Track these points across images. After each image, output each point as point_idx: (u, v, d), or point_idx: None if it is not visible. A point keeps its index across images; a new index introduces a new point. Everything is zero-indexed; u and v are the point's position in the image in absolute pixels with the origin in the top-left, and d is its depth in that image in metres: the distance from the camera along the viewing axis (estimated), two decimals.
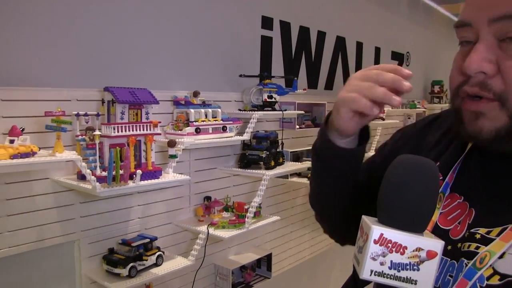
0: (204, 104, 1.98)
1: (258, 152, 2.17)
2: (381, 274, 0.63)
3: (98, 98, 1.68)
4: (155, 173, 1.64)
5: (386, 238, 0.63)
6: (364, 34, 3.54)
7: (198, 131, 1.87)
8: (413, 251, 0.62)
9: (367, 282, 0.77)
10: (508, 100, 0.71)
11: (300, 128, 2.64)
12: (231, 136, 2.02)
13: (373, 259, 0.62)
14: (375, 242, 0.63)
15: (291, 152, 2.59)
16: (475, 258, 0.73)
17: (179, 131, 1.86)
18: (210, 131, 1.93)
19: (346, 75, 3.33)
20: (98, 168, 1.52)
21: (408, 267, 0.62)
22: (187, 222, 2.06)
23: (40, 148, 1.42)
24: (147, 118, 1.67)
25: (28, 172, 1.54)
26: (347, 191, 0.96)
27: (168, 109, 1.97)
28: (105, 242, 1.79)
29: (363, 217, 0.68)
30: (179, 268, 1.83)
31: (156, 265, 1.79)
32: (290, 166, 2.32)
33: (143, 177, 1.57)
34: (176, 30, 2.01)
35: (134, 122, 1.61)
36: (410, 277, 0.62)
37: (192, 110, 1.87)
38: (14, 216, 1.53)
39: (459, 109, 0.79)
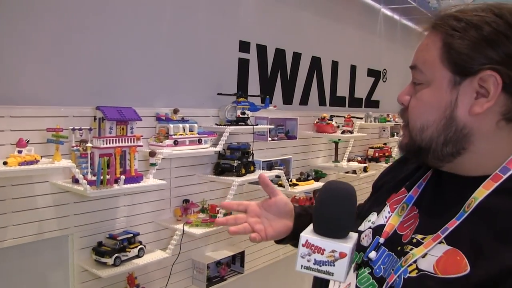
0: (182, 120, 2.30)
1: (230, 162, 2.50)
2: (308, 268, 0.85)
3: (91, 115, 2.01)
4: (137, 178, 1.97)
5: (310, 243, 0.85)
6: (340, 53, 3.87)
7: (176, 143, 2.19)
8: (330, 252, 0.84)
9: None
10: (409, 125, 0.97)
11: (272, 140, 2.97)
12: (206, 148, 2.34)
13: (302, 257, 0.85)
14: (303, 245, 0.85)
15: (264, 161, 2.91)
16: (403, 258, 0.91)
17: (160, 143, 2.18)
18: (187, 143, 2.25)
19: (321, 92, 3.66)
20: (89, 173, 1.84)
21: (326, 263, 0.84)
22: (167, 221, 2.38)
23: (42, 157, 1.75)
24: (131, 133, 1.99)
25: (31, 176, 1.86)
26: None
27: (152, 123, 2.29)
28: (95, 237, 2.11)
29: None
30: (158, 260, 2.15)
31: (138, 256, 2.11)
32: (259, 174, 2.63)
33: (126, 181, 1.89)
34: (160, 55, 2.34)
35: (120, 136, 1.94)
36: (328, 270, 0.84)
37: (171, 125, 2.20)
38: (18, 213, 1.85)
39: None
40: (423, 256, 0.87)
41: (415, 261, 0.88)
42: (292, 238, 1.19)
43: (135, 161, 1.99)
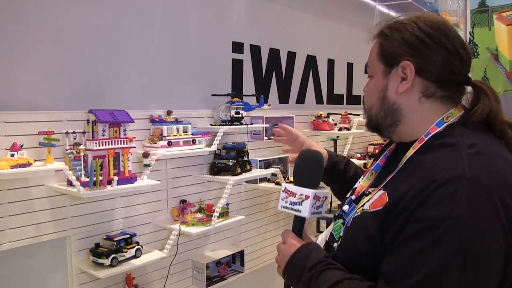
0: (176, 121, 2.33)
1: (225, 161, 2.53)
2: (285, 207, 1.23)
3: (85, 118, 2.04)
4: (130, 179, 2.00)
5: (287, 189, 1.23)
6: (336, 51, 3.88)
7: (170, 144, 2.21)
8: (299, 195, 1.21)
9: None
10: (365, 107, 1.34)
11: (269, 139, 2.99)
12: (200, 148, 2.37)
13: (282, 199, 1.24)
14: (283, 191, 1.24)
15: (261, 160, 2.94)
16: (359, 204, 1.26)
17: (154, 145, 2.21)
18: (181, 143, 2.28)
19: (317, 90, 3.68)
20: (83, 175, 1.87)
21: (297, 203, 1.21)
22: (164, 221, 2.41)
23: (35, 160, 1.78)
24: (124, 134, 2.02)
25: (27, 180, 1.89)
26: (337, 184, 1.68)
27: (146, 126, 2.32)
28: (92, 238, 2.13)
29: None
30: (155, 260, 2.18)
31: (135, 256, 2.13)
32: (255, 173, 2.67)
33: (119, 182, 1.92)
34: (153, 58, 2.37)
35: (113, 138, 1.97)
36: (298, 209, 1.22)
37: (165, 127, 2.23)
38: (15, 216, 1.88)
39: None
40: (368, 200, 1.20)
41: (363, 205, 1.21)
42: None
43: (129, 162, 2.02)
